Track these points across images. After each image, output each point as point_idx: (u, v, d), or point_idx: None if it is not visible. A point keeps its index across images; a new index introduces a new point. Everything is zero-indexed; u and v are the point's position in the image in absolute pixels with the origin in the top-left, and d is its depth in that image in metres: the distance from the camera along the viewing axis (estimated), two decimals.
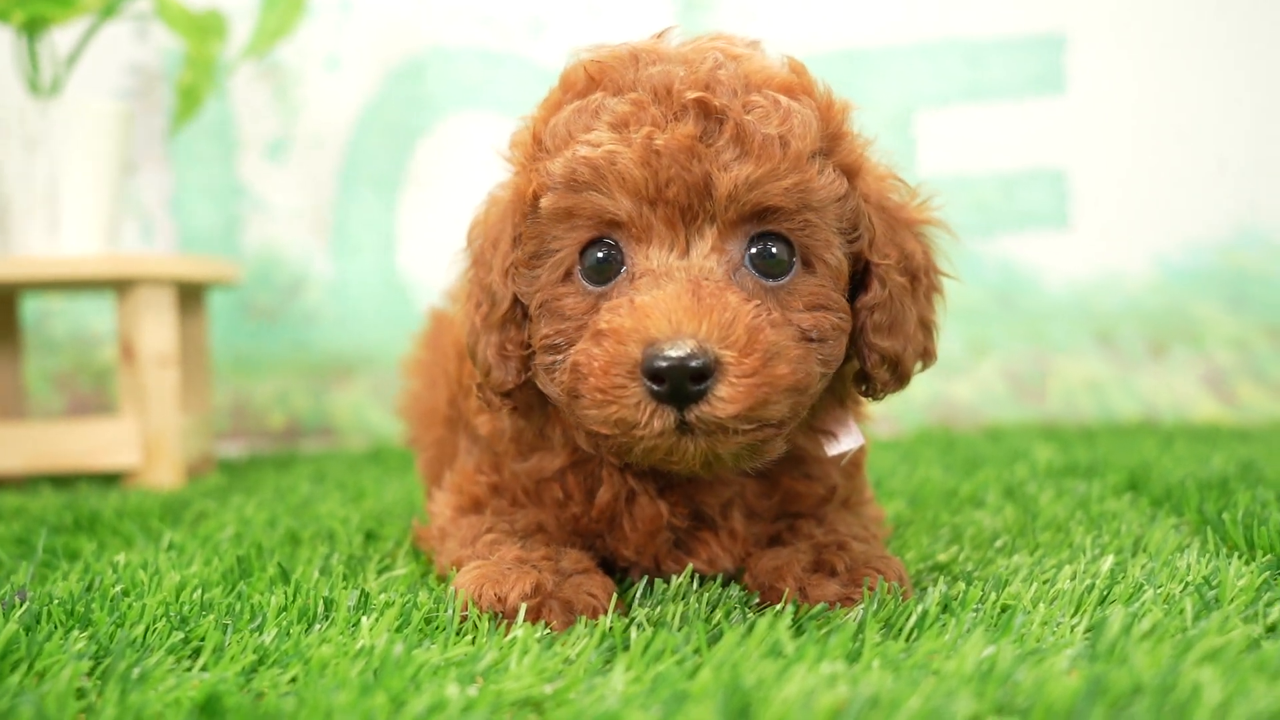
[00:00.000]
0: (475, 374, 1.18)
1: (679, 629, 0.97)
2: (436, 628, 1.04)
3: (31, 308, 2.84)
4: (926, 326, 1.16)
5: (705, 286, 0.99)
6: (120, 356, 2.21)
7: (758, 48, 1.12)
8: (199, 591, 1.16)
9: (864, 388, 1.16)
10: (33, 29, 2.21)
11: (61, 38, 2.44)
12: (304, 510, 1.75)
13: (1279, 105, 2.69)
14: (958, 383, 2.80)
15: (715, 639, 0.95)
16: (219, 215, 2.89)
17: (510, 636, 0.98)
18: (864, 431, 1.23)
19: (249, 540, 1.46)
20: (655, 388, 0.96)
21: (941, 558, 1.29)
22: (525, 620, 1.03)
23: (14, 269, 2.12)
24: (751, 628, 0.95)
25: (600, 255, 1.05)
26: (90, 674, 0.93)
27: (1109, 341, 2.77)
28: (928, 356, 1.17)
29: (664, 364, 0.95)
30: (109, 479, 2.27)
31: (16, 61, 2.28)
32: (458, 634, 1.02)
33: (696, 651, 0.92)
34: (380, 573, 1.30)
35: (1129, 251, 2.76)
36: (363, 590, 1.14)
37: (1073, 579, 1.13)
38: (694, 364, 0.95)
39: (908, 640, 0.96)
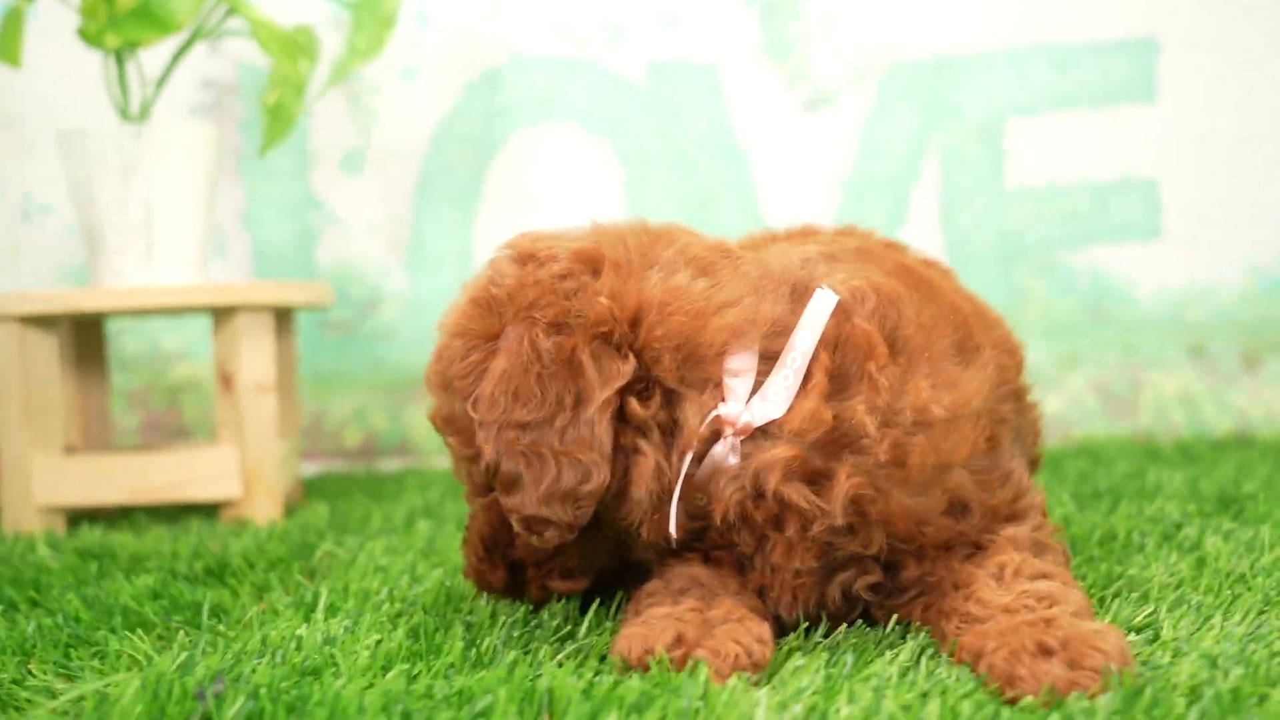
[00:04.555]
0: None
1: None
2: None
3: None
4: None
5: None
6: (218, 384, 2.17)
7: None
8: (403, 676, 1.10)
9: None
10: (124, 52, 2.16)
11: (146, 59, 2.39)
12: (433, 549, 1.71)
13: None
14: (1047, 396, 2.76)
15: None
16: (293, 230, 2.85)
17: None
18: None
19: (401, 597, 1.41)
20: None
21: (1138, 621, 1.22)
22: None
23: (113, 300, 2.08)
24: None
25: None
26: None
27: (1201, 354, 2.73)
28: None
29: None
30: (205, 509, 2.23)
31: (104, 86, 2.23)
32: None
33: None
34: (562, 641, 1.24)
35: (1222, 262, 2.72)
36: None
37: None
38: None
39: None
